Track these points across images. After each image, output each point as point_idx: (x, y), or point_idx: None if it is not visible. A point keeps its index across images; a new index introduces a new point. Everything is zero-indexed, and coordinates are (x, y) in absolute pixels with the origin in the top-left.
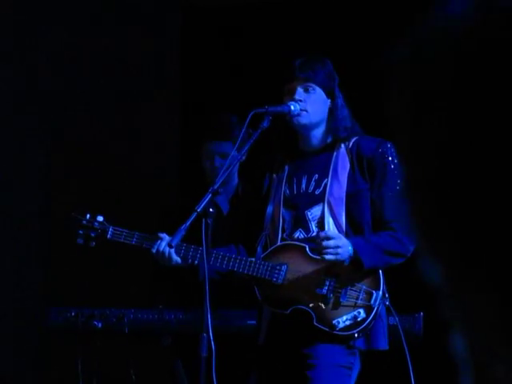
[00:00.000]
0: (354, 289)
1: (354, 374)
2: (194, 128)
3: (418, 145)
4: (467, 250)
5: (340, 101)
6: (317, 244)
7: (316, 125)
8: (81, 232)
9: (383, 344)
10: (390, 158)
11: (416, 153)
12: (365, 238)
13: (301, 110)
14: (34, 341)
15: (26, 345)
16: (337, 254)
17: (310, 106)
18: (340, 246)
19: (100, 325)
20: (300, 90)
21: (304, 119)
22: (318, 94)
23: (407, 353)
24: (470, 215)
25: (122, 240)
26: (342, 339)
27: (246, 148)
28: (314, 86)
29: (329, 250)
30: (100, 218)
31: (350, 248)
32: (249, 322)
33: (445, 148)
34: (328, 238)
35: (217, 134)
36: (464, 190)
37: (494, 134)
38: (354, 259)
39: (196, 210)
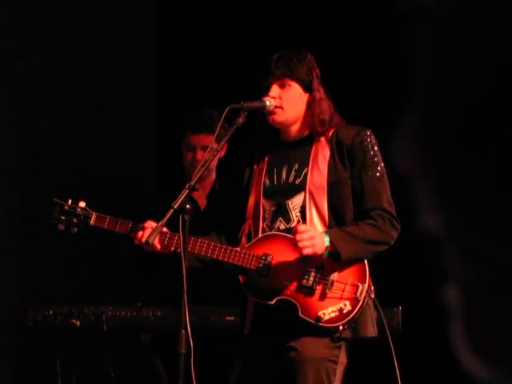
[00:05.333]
0: (340, 281)
1: (342, 367)
2: (170, 121)
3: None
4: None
5: (319, 94)
6: (292, 239)
7: (293, 120)
8: (62, 218)
9: (371, 332)
10: (370, 146)
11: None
12: (343, 229)
13: (276, 107)
14: (13, 340)
15: (4, 344)
16: (313, 245)
17: (286, 102)
18: (314, 236)
19: (78, 323)
20: (275, 86)
21: (279, 117)
22: (295, 89)
23: (391, 345)
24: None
25: (105, 227)
26: (327, 331)
27: (222, 144)
28: (289, 81)
29: (304, 243)
30: (82, 204)
31: (326, 239)
32: (227, 318)
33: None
34: (301, 232)
35: (199, 126)
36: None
37: None
38: (333, 251)
39: (173, 207)
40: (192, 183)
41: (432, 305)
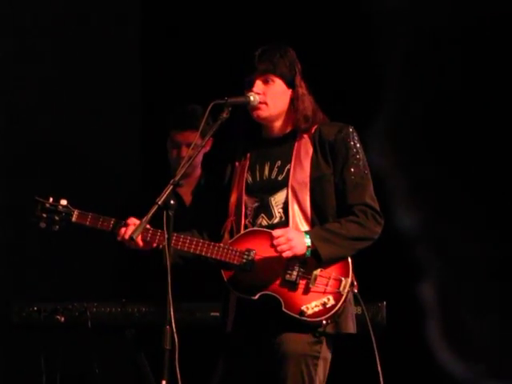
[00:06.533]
0: (323, 275)
1: (325, 363)
2: (155, 119)
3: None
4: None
5: (301, 90)
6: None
7: (277, 116)
8: (44, 215)
9: (351, 328)
10: (352, 142)
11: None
12: (324, 228)
13: (260, 103)
14: None
15: None
16: (291, 247)
17: (270, 98)
18: (292, 238)
19: (63, 319)
20: (259, 82)
21: (264, 112)
22: (278, 85)
23: (373, 340)
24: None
25: (87, 224)
26: (310, 326)
27: (206, 139)
28: (273, 77)
29: (282, 247)
30: (64, 202)
31: (306, 240)
32: (212, 313)
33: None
34: (277, 236)
35: (183, 124)
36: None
37: None
38: (315, 250)
39: (157, 203)
40: (176, 179)
41: (412, 301)
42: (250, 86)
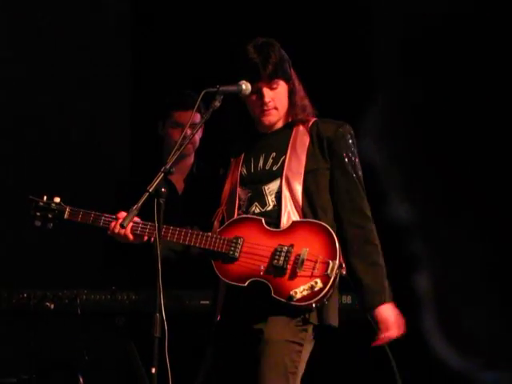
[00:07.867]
0: (310, 259)
1: (306, 353)
2: (145, 104)
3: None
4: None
5: (296, 81)
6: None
7: (283, 114)
8: (38, 214)
9: (334, 320)
10: (350, 141)
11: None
12: (381, 280)
13: (269, 109)
14: None
15: None
16: (398, 325)
17: (278, 102)
18: (392, 323)
19: (52, 306)
20: (267, 90)
21: (274, 117)
22: (281, 86)
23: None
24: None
25: (79, 220)
26: (300, 310)
27: (198, 127)
28: (277, 80)
29: (395, 335)
30: (57, 199)
31: (390, 303)
32: (202, 301)
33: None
34: (390, 337)
35: (187, 103)
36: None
37: None
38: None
39: (148, 190)
40: (167, 167)
41: (405, 292)
42: (260, 97)
